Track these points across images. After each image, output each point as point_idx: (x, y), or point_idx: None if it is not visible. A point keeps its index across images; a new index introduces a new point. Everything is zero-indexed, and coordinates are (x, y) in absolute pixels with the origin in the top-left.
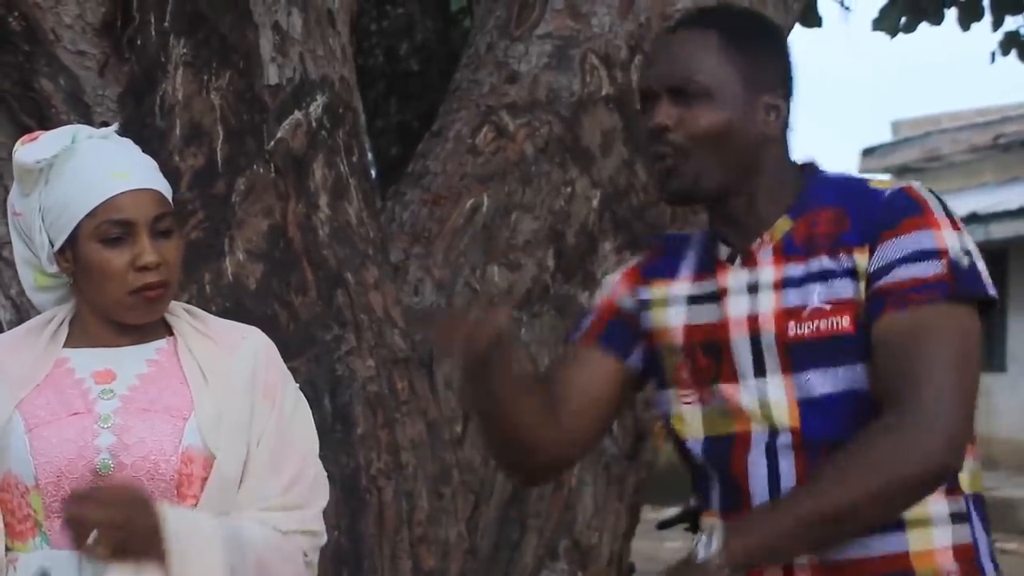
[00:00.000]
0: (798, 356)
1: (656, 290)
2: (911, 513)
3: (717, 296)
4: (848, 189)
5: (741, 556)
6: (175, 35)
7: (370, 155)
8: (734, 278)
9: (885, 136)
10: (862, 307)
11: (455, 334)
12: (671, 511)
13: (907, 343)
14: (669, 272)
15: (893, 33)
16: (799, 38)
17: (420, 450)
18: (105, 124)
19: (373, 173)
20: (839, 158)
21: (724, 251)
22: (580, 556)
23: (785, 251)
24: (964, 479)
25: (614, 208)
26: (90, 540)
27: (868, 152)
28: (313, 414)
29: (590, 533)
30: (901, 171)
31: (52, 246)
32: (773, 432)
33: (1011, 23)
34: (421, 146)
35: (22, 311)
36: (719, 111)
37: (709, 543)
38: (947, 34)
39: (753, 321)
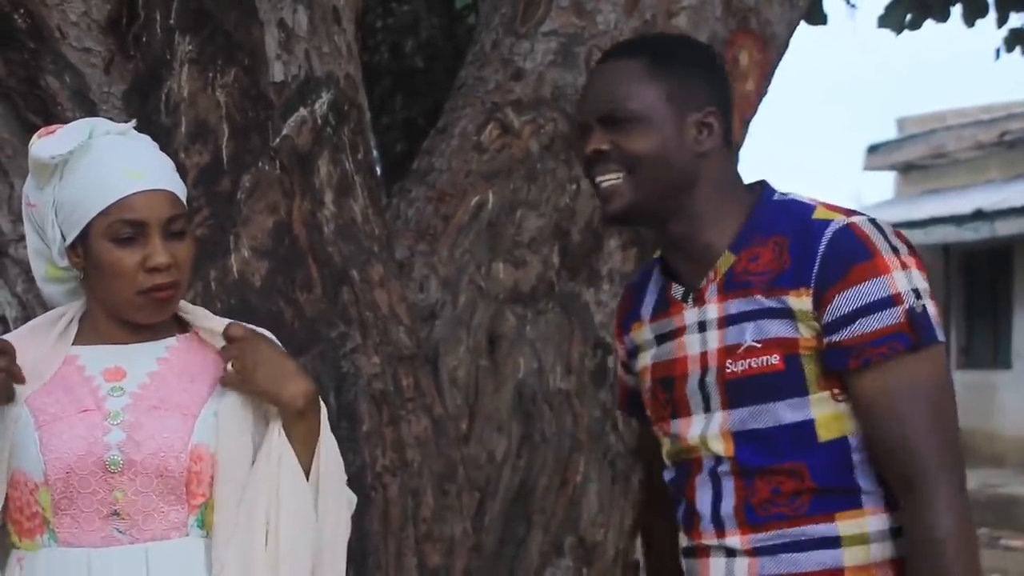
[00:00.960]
0: (733, 392)
1: (635, 335)
2: (848, 530)
3: (674, 334)
4: (791, 219)
5: None
6: (180, 32)
7: (375, 152)
8: (688, 316)
9: (891, 133)
10: (798, 345)
11: None
12: None
13: (892, 406)
14: (637, 316)
15: (899, 30)
16: (804, 36)
17: (425, 447)
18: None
19: (378, 170)
20: (845, 155)
21: (678, 290)
22: (585, 553)
23: (726, 287)
24: None
25: None
26: (228, 367)
27: (873, 149)
28: None
29: (595, 530)
30: (907, 168)
31: (64, 240)
32: (718, 458)
33: (1016, 20)
34: (426, 143)
35: (28, 308)
36: (650, 133)
37: None
38: (952, 31)
39: (704, 358)
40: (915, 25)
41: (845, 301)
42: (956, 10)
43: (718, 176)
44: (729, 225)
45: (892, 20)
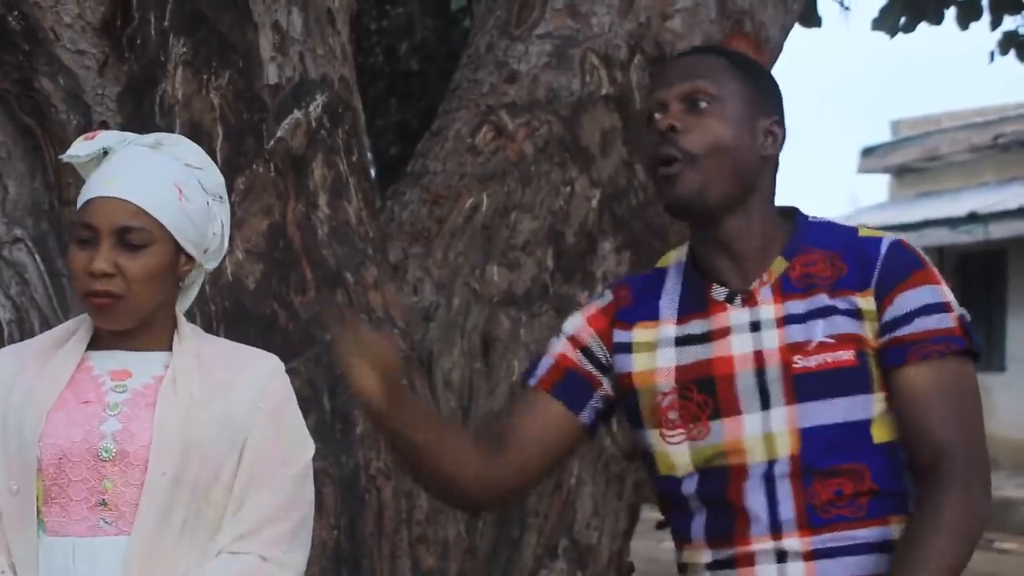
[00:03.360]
0: (803, 387)
1: (640, 332)
2: (900, 535)
3: (710, 336)
4: (839, 235)
5: None
6: (175, 34)
7: (369, 154)
8: (736, 317)
9: (884, 136)
10: (865, 343)
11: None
12: None
13: (938, 399)
14: (651, 314)
15: (893, 33)
16: (799, 38)
17: None
18: (104, 123)
19: (372, 172)
20: (839, 158)
21: (721, 292)
22: (579, 556)
23: (783, 289)
24: None
25: (613, 208)
26: None
27: (868, 152)
28: (312, 414)
29: (589, 533)
30: (901, 171)
31: None
32: (771, 461)
33: (1010, 22)
34: (420, 145)
35: (21, 311)
36: (726, 122)
37: None
38: (946, 33)
39: (759, 357)
40: (909, 28)
41: (906, 301)
42: (950, 13)
43: (772, 185)
44: (779, 235)
45: (886, 23)
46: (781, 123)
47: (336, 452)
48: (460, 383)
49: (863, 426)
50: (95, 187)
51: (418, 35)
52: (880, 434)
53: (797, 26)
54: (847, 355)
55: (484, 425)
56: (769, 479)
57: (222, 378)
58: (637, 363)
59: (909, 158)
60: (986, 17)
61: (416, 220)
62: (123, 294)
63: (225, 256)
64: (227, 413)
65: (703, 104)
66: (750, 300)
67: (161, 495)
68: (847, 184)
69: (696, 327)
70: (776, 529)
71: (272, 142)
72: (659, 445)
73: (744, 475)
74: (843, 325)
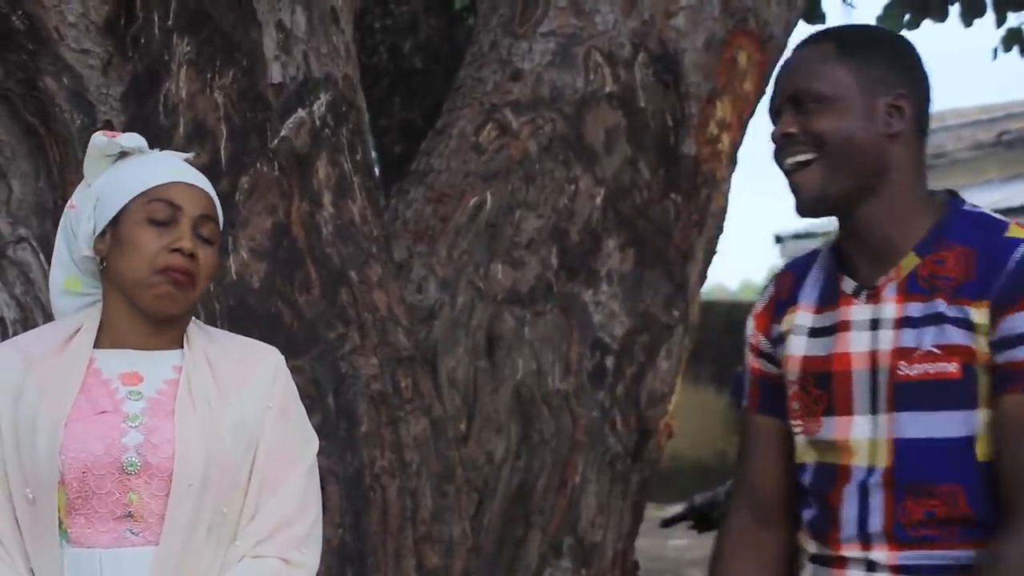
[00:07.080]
0: (903, 396)
1: (786, 320)
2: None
3: (835, 328)
4: (985, 231)
5: None
6: (178, 33)
7: (374, 153)
8: (858, 312)
9: None
10: (975, 356)
11: None
12: (675, 509)
13: None
14: (794, 301)
15: (897, 29)
16: (802, 35)
17: (424, 448)
18: (109, 123)
19: (376, 171)
20: None
21: (850, 285)
22: (584, 554)
23: (909, 289)
24: None
25: (618, 206)
26: None
27: None
28: (317, 413)
29: (594, 531)
30: None
31: (95, 231)
32: (871, 468)
33: (1014, 19)
34: (425, 144)
35: (25, 310)
36: (837, 113)
37: None
38: (950, 31)
39: (874, 357)
40: (913, 25)
41: (1018, 321)
42: (954, 10)
43: (911, 161)
44: (918, 225)
45: (890, 19)
46: (909, 95)
47: (340, 451)
48: (464, 381)
49: (963, 443)
50: (165, 174)
51: (422, 33)
52: (985, 451)
53: (801, 23)
54: (951, 367)
55: (745, 497)
56: (864, 487)
57: (232, 380)
58: (786, 350)
59: None
60: (990, 14)
61: (420, 218)
62: (198, 280)
63: (229, 255)
64: (241, 418)
65: (810, 105)
66: (874, 296)
67: (187, 506)
68: None
69: (825, 319)
70: (865, 539)
71: (276, 141)
72: (792, 432)
73: (847, 478)
74: (953, 335)
